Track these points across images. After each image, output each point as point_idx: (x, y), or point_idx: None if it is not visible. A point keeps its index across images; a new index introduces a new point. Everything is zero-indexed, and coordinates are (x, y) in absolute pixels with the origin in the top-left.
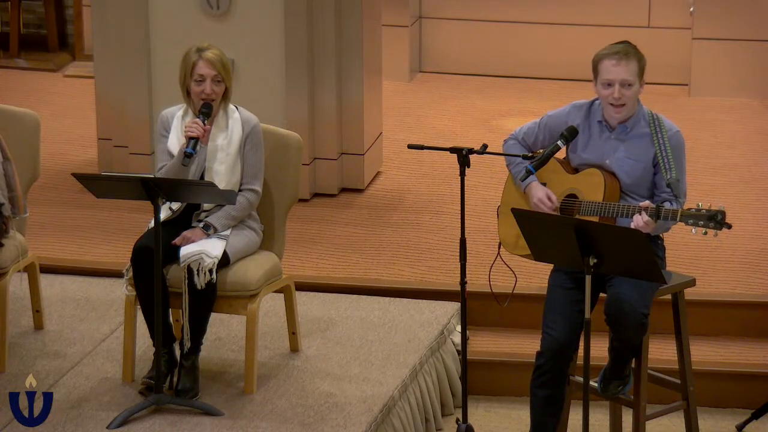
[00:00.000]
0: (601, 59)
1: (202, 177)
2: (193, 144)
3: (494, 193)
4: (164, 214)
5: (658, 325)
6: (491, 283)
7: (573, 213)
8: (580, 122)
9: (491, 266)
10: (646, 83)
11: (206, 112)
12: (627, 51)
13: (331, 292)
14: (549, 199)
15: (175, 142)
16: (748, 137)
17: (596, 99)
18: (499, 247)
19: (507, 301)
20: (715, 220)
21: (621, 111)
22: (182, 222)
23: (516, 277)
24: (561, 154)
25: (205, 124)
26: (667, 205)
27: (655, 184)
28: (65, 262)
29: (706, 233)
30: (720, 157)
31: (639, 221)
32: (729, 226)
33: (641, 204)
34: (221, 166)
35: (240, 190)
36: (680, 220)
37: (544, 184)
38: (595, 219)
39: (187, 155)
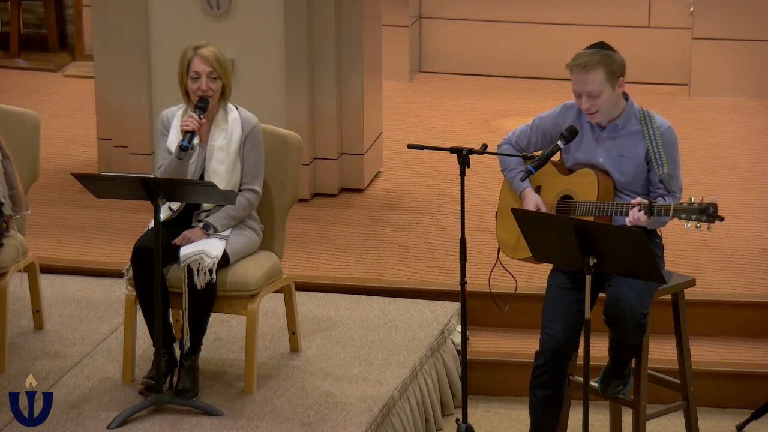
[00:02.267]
0: (570, 69)
1: (201, 177)
2: (189, 137)
3: (494, 193)
4: (164, 214)
5: (658, 325)
6: (491, 286)
7: (568, 214)
8: (572, 122)
9: (491, 271)
10: (646, 83)
11: (202, 106)
12: (588, 61)
13: (331, 292)
14: (538, 210)
15: (174, 141)
16: (748, 137)
17: None
18: (498, 252)
19: (508, 306)
20: (707, 213)
21: (595, 117)
22: (182, 222)
23: (516, 281)
24: (555, 156)
25: (201, 119)
26: (660, 200)
27: (649, 181)
28: (65, 262)
29: (699, 227)
30: (720, 157)
31: (634, 214)
32: (721, 219)
33: (633, 201)
34: (221, 166)
35: (240, 190)
36: (673, 215)
37: (539, 187)
38: (590, 219)
39: (183, 149)
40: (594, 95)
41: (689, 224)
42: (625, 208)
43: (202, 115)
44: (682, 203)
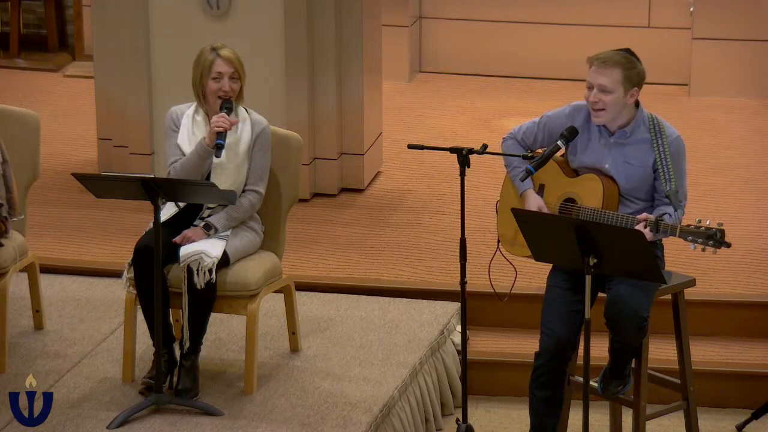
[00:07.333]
0: (589, 63)
1: (208, 174)
2: (223, 136)
3: (494, 193)
4: (170, 210)
5: (658, 325)
6: (491, 279)
7: None
8: (581, 125)
9: (490, 261)
10: (646, 83)
11: (229, 107)
12: (610, 58)
13: (331, 292)
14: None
15: (185, 139)
16: (748, 137)
17: None
18: (498, 243)
19: (507, 297)
20: (714, 238)
21: (599, 116)
22: (184, 222)
23: (516, 271)
24: (560, 155)
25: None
26: (666, 218)
27: (655, 188)
28: (65, 262)
29: (704, 250)
30: (720, 157)
31: (639, 229)
32: (728, 245)
33: (639, 217)
34: (229, 164)
35: (243, 191)
36: (679, 236)
37: (543, 186)
38: None
39: (220, 147)
40: (605, 90)
41: (695, 246)
42: (629, 220)
43: (230, 115)
44: (689, 225)
